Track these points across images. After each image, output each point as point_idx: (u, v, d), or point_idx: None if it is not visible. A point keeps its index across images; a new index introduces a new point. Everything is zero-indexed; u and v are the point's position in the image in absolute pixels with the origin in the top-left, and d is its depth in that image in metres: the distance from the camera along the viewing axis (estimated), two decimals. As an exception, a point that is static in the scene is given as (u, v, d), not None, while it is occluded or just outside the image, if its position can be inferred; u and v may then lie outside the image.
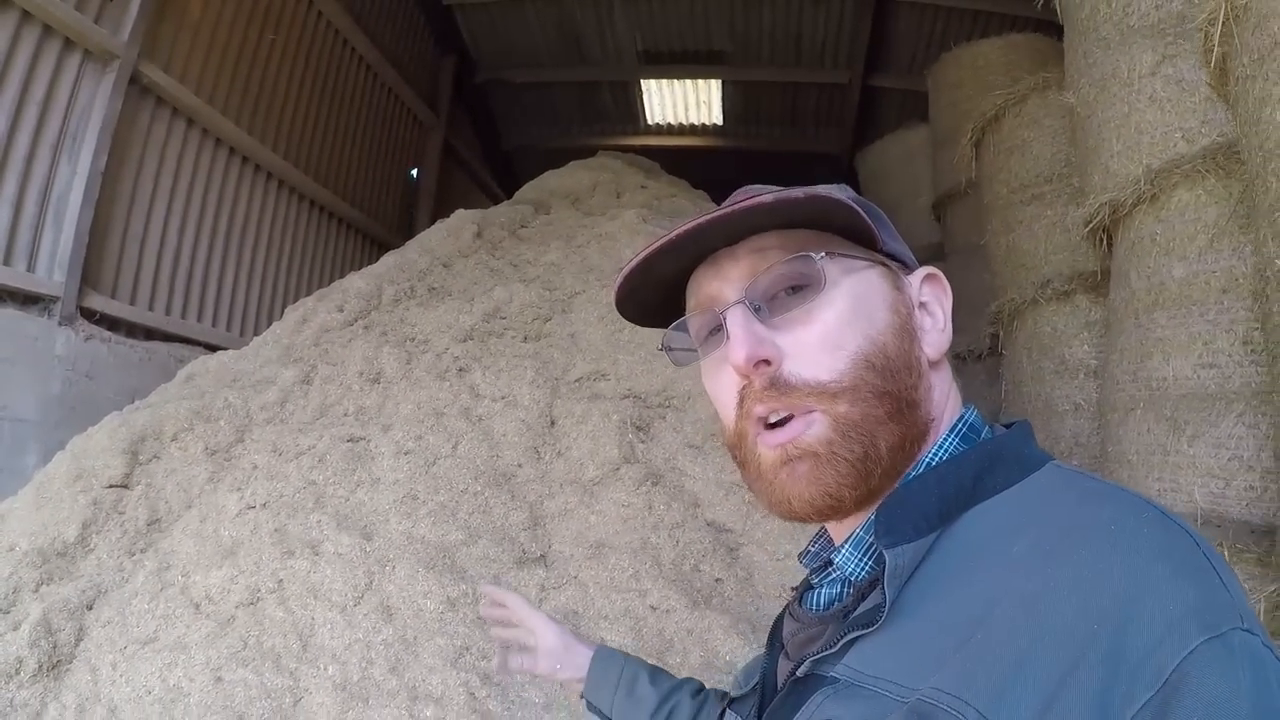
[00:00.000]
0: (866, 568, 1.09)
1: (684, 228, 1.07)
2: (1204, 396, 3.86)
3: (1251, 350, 3.80)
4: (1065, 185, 5.92)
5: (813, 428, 1.04)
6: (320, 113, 10.15)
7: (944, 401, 1.13)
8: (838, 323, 1.06)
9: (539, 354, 4.56)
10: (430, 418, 4.08)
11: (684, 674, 2.97)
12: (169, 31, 7.54)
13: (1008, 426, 1.13)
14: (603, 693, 1.68)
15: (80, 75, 6.67)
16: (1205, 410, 3.83)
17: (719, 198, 7.37)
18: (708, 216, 1.06)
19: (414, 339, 4.74)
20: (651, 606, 3.33)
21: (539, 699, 2.95)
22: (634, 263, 1.14)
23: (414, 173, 13.14)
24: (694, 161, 13.34)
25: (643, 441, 4.04)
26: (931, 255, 8.96)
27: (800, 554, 1.26)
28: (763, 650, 1.31)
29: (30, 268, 6.28)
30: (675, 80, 14.11)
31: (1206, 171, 4.00)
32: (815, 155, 14.85)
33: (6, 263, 6.08)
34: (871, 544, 1.07)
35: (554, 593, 3.39)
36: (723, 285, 1.12)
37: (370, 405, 4.27)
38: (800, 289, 1.08)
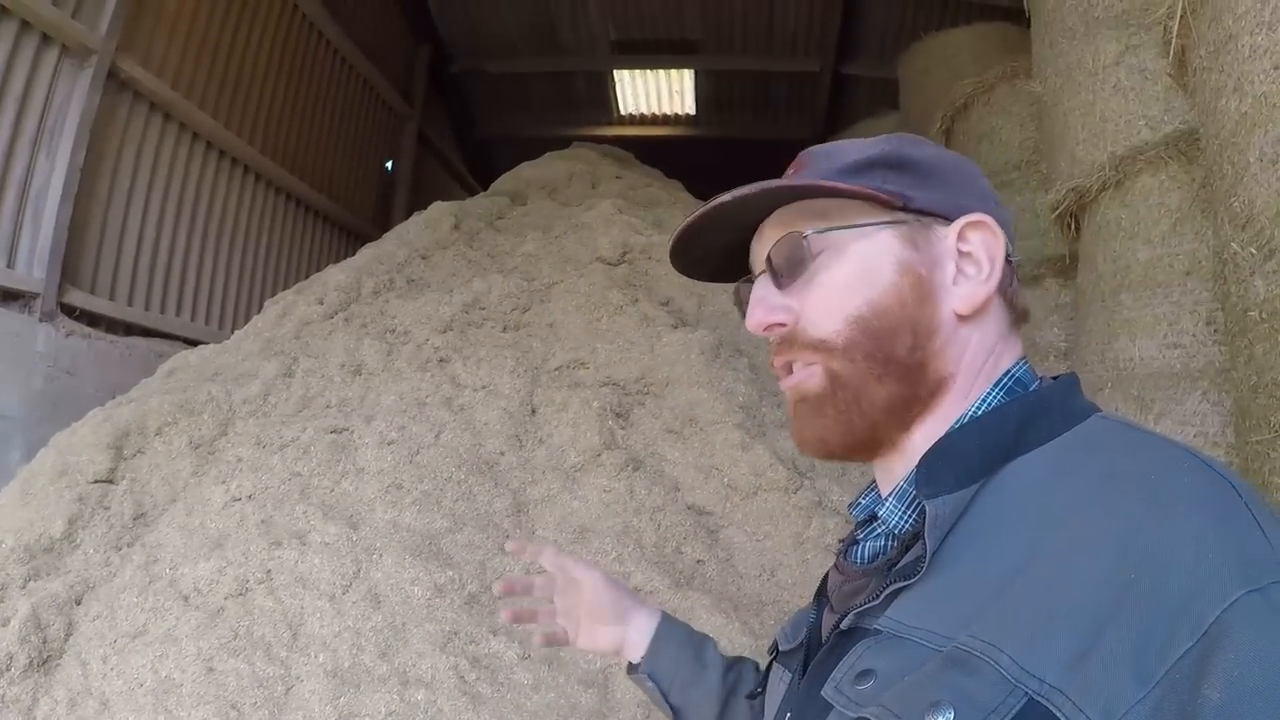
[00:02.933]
0: (910, 520, 1.11)
1: (709, 206, 1.18)
2: (1169, 375, 3.93)
3: (1214, 330, 3.87)
4: (1033, 172, 5.98)
5: (812, 378, 1.13)
6: (296, 105, 10.09)
7: (983, 355, 1.14)
8: (836, 287, 1.13)
9: (518, 343, 4.59)
10: (412, 408, 4.11)
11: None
12: (146, 25, 7.49)
13: (1055, 379, 1.15)
14: (664, 663, 1.62)
15: (58, 70, 6.62)
16: (1171, 389, 3.90)
17: (693, 187, 7.41)
18: (720, 200, 1.15)
19: (394, 330, 4.77)
20: (635, 588, 3.36)
21: (527, 680, 3.00)
22: (678, 235, 1.25)
23: (390, 164, 13.06)
24: (667, 151, 13.35)
25: (622, 428, 4.08)
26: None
27: (850, 505, 1.29)
28: (807, 607, 1.32)
29: (10, 264, 6.25)
30: (648, 70, 14.08)
31: (1169, 158, 4.08)
32: (787, 143, 14.75)
33: (-13, 260, 6.05)
34: (915, 496, 1.08)
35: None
36: (762, 251, 1.21)
37: (352, 396, 4.29)
38: (801, 260, 1.15)
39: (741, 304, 1.30)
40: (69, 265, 6.74)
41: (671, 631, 1.65)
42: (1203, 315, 3.92)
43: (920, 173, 1.17)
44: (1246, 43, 2.78)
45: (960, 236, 1.14)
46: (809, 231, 1.14)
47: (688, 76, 14.17)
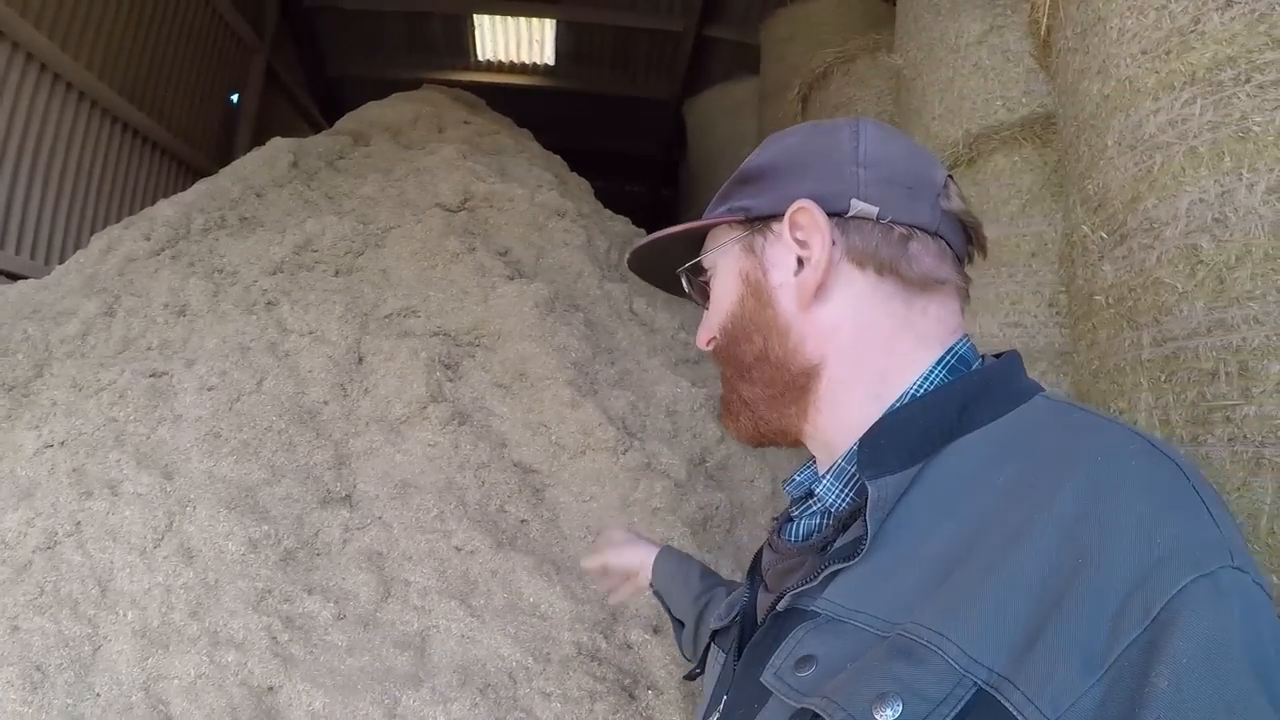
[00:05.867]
0: (848, 499, 1.13)
1: (633, 248, 1.38)
2: (1009, 354, 4.06)
3: (1056, 312, 4.01)
4: (887, 146, 6.07)
5: (720, 381, 1.32)
6: (136, 29, 9.57)
7: (867, 332, 1.14)
8: (714, 304, 1.30)
9: (349, 288, 4.52)
10: (235, 352, 4.02)
11: (487, 616, 3.06)
12: (-31, -71, 7.05)
13: (998, 356, 1.15)
14: (663, 581, 1.97)
15: None
16: (1010, 367, 4.03)
17: (546, 139, 7.40)
18: (641, 242, 1.37)
19: (222, 270, 4.64)
20: (456, 547, 3.38)
21: (342, 641, 2.98)
22: (631, 260, 1.42)
23: (235, 98, 12.61)
24: (524, 101, 13.34)
25: (450, 380, 4.06)
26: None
27: (785, 481, 1.32)
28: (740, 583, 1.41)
29: None
30: (509, 17, 13.80)
31: (1024, 140, 4.20)
32: (645, 101, 14.90)
33: None
34: (854, 474, 1.11)
35: (358, 533, 3.42)
36: None
37: (175, 339, 4.18)
38: (692, 286, 1.39)
39: None
40: (-127, 188, 6.37)
41: (667, 557, 2.01)
42: (1045, 296, 4.07)
43: (762, 179, 1.23)
44: (1115, 25, 2.84)
45: (793, 226, 1.17)
46: (683, 267, 1.35)
47: (549, 26, 13.93)
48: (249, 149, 6.34)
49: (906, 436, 1.05)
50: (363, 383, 4.03)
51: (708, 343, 1.31)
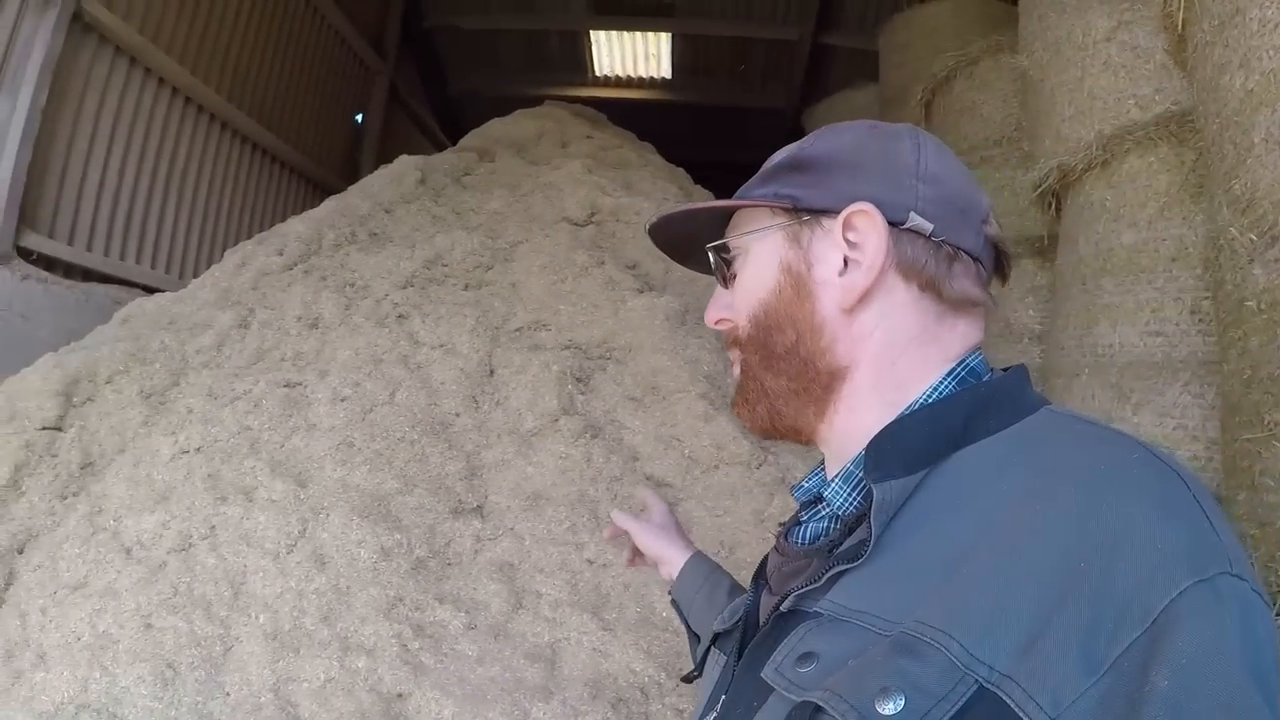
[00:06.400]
0: (855, 502, 1.13)
1: (653, 220, 1.31)
2: (1150, 364, 3.88)
3: (1199, 320, 3.83)
4: (1014, 149, 5.93)
5: (736, 368, 1.27)
6: (265, 55, 9.97)
7: (896, 345, 1.14)
8: (743, 288, 1.24)
9: (479, 302, 4.52)
10: (368, 364, 4.04)
11: (619, 630, 2.99)
12: (111, -31, 7.37)
13: (1006, 370, 1.15)
14: (686, 593, 1.79)
15: (22, 11, 6.55)
16: (1151, 378, 3.86)
17: (667, 152, 7.37)
18: (661, 216, 1.31)
19: (353, 284, 4.69)
20: (588, 560, 3.33)
21: (472, 651, 2.95)
22: (655, 225, 1.34)
23: (359, 117, 12.96)
24: (642, 114, 13.29)
25: (582, 393, 4.03)
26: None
27: (793, 487, 1.31)
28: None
29: (-35, 206, 6.16)
30: (625, 32, 13.95)
31: (1159, 139, 4.02)
32: (762, 111, 14.86)
33: (-60, 200, 5.96)
34: (861, 479, 1.10)
35: (489, 544, 3.39)
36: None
37: (308, 350, 4.22)
38: (722, 264, 1.29)
39: None
40: (27, 209, 6.68)
41: (696, 567, 1.82)
42: (1188, 303, 3.89)
43: (816, 170, 1.20)
44: (1255, 16, 2.73)
45: (847, 226, 1.14)
46: (714, 243, 1.28)
47: (664, 39, 14.06)
48: (374, 166, 6.46)
49: (912, 442, 1.05)
50: (494, 395, 4.01)
51: (717, 322, 1.30)
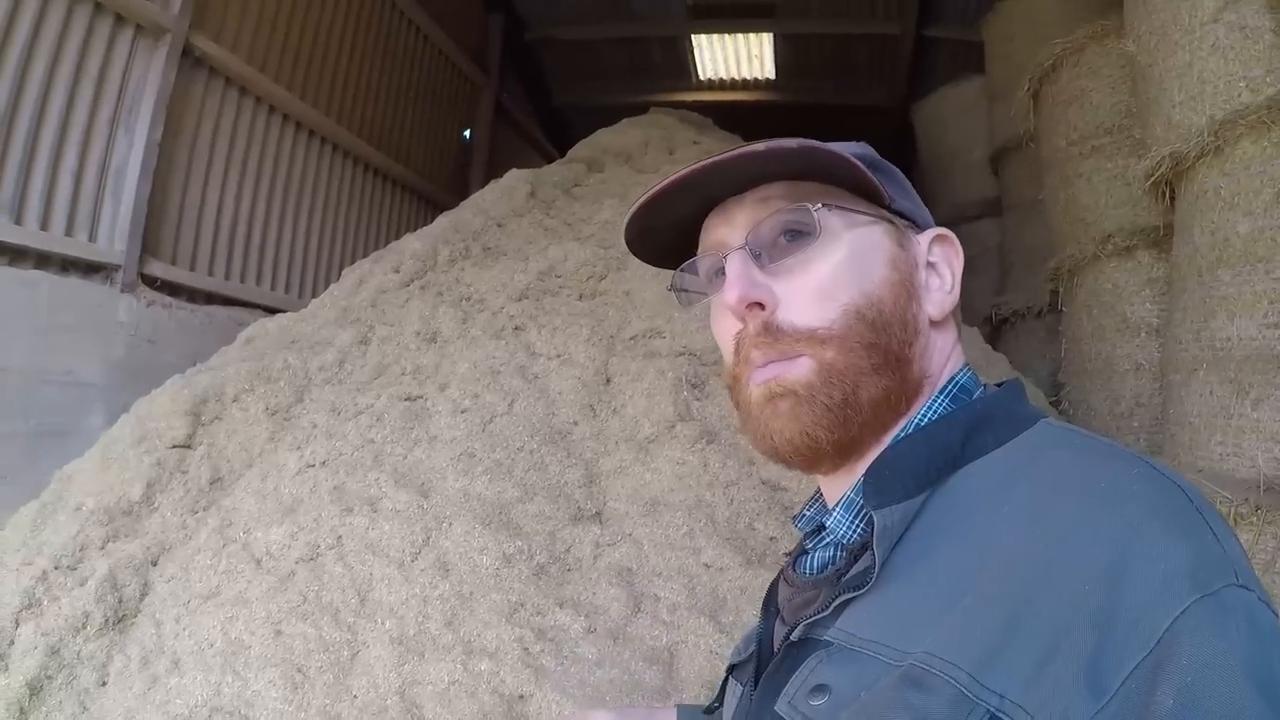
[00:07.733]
0: (858, 530, 1.12)
1: (682, 172, 1.12)
2: (1269, 358, 3.75)
3: (1323, 311, 3.71)
4: (1126, 137, 5.76)
5: (797, 369, 1.08)
6: (371, 76, 10.18)
7: (943, 363, 1.16)
8: (832, 273, 1.10)
9: (594, 312, 4.55)
10: (486, 376, 4.08)
11: (736, 633, 2.99)
12: (218, 2, 7.60)
13: (1000, 385, 1.16)
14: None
15: (133, 50, 6.75)
16: (1271, 372, 3.73)
17: (772, 153, 7.30)
18: (705, 161, 1.09)
19: (470, 298, 4.75)
20: (705, 564, 3.32)
21: (592, 654, 2.96)
22: (637, 205, 1.19)
23: (467, 133, 13.15)
24: (746, 116, 13.39)
25: (698, 399, 4.02)
26: (989, 210, 8.86)
27: (794, 517, 1.29)
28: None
29: (92, 238, 6.42)
30: (725, 34, 13.92)
31: (1273, 122, 3.88)
32: (868, 109, 14.69)
33: (69, 233, 6.20)
34: (862, 506, 1.09)
35: (608, 550, 3.40)
36: (729, 230, 1.18)
37: (427, 364, 4.29)
38: (799, 238, 1.12)
39: (680, 290, 1.31)
40: (150, 238, 6.89)
41: (692, 714, 1.61)
42: (1309, 294, 3.76)
43: (895, 179, 1.20)
44: None
45: (938, 243, 1.19)
46: (819, 205, 1.10)
47: (766, 40, 13.99)
48: (483, 181, 6.54)
49: (911, 466, 1.05)
50: (611, 403, 4.03)
51: (750, 305, 1.11)
